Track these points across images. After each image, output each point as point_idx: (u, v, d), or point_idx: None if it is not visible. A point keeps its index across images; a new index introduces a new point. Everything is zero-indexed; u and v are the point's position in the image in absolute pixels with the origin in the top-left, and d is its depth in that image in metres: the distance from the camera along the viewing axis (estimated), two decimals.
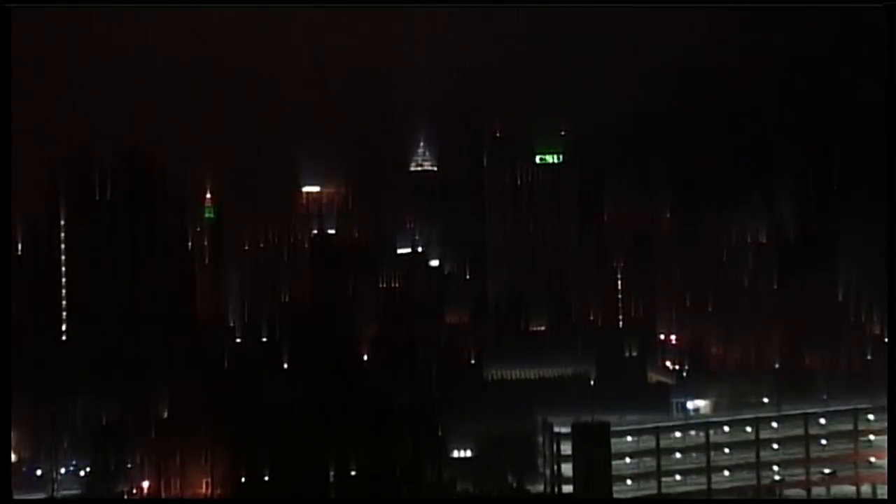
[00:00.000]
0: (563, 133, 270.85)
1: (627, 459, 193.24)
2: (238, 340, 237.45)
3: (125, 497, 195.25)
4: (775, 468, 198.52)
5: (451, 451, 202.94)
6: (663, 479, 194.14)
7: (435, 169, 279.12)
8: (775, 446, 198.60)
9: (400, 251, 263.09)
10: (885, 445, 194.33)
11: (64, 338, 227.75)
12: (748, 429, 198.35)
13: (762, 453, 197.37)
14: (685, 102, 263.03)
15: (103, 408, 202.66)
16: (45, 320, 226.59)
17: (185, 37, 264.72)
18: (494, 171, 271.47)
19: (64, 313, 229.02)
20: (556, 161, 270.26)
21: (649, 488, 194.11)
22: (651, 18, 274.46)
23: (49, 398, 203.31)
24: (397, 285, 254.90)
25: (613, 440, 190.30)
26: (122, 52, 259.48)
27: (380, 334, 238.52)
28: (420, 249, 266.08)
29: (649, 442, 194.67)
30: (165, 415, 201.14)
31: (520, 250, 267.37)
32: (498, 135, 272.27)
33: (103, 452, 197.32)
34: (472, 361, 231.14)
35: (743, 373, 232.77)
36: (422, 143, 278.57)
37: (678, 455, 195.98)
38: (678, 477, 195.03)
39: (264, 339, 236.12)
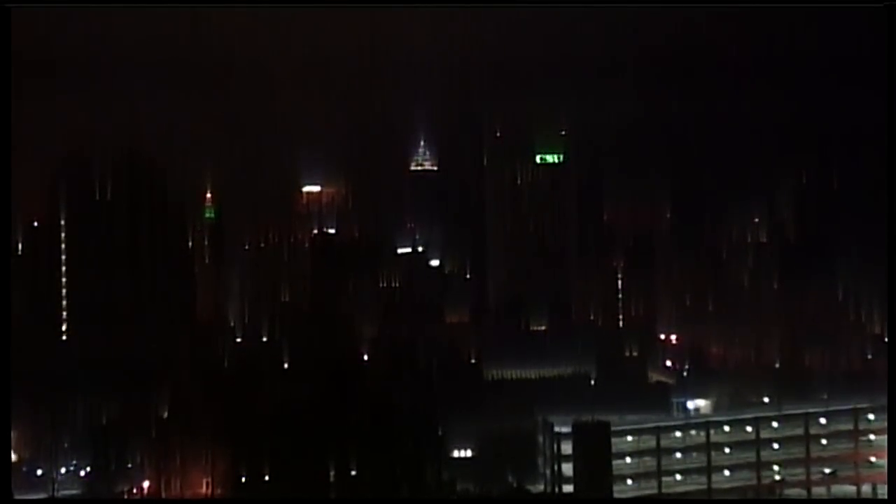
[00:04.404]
0: (563, 133, 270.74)
1: (628, 459, 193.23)
2: (238, 340, 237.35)
3: (125, 497, 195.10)
4: (776, 468, 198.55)
5: (451, 451, 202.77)
6: (663, 478, 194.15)
7: (435, 169, 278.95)
8: (776, 446, 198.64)
9: (400, 251, 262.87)
10: (885, 445, 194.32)
11: (64, 338, 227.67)
12: (748, 428, 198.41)
13: (762, 453, 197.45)
14: (685, 102, 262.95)
15: (103, 407, 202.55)
16: (45, 320, 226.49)
17: (183, 35, 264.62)
18: (494, 170, 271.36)
19: (64, 313, 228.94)
20: (556, 161, 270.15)
21: (649, 488, 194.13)
22: (650, 18, 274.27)
23: (49, 398, 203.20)
24: (397, 285, 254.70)
25: (613, 440, 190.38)
26: (120, 50, 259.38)
27: (380, 334, 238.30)
28: (420, 249, 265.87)
29: (649, 441, 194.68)
30: (165, 415, 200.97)
31: (520, 250, 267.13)
32: (498, 134, 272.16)
33: (103, 452, 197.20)
34: (472, 361, 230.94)
35: (743, 372, 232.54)
36: (422, 143, 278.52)
37: (678, 455, 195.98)
38: (678, 477, 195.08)
39: (264, 339, 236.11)
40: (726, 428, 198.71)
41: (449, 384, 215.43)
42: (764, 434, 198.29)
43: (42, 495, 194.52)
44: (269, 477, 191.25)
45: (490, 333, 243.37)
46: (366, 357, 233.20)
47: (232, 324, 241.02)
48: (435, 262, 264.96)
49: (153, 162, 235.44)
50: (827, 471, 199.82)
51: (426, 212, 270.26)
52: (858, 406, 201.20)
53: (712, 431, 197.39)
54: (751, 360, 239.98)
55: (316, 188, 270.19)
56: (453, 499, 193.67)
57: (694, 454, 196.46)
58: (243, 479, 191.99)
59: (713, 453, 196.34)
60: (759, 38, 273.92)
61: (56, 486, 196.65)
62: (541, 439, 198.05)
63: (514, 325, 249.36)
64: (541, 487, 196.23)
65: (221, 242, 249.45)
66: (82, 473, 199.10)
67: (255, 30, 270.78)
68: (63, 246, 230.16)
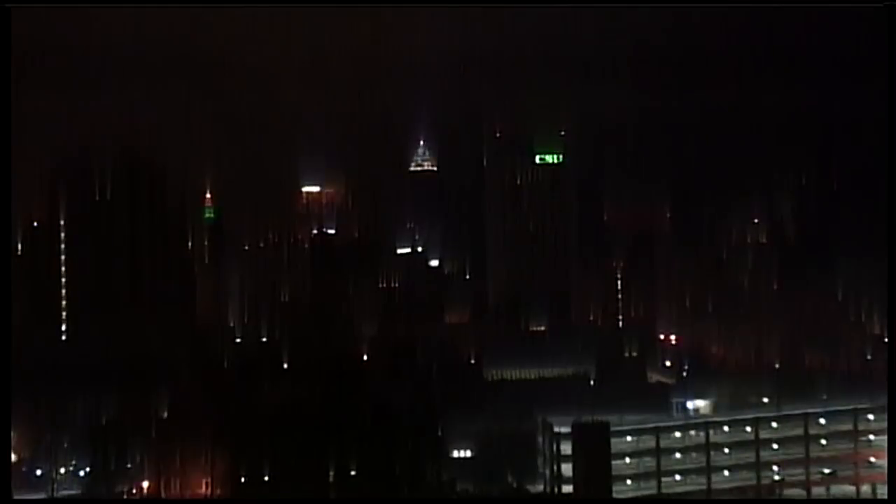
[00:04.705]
0: (563, 133, 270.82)
1: (627, 459, 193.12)
2: (238, 340, 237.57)
3: (125, 497, 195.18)
4: (775, 468, 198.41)
5: (451, 451, 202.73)
6: (663, 479, 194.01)
7: (435, 169, 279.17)
8: (775, 446, 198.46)
9: (400, 251, 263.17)
10: (885, 445, 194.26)
11: (64, 338, 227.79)
12: (748, 429, 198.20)
13: (762, 453, 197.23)
14: (685, 102, 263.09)
15: (103, 407, 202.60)
16: (44, 320, 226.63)
17: (183, 35, 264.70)
18: (494, 171, 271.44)
19: (64, 313, 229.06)
20: (556, 161, 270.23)
21: (649, 488, 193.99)
22: (649, 17, 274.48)
23: (49, 398, 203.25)
24: (397, 285, 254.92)
25: (613, 440, 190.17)
26: (120, 50, 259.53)
27: (380, 334, 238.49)
28: (420, 249, 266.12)
29: (649, 442, 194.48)
30: (165, 415, 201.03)
31: (520, 250, 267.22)
32: (498, 135, 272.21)
33: (103, 452, 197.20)
34: (472, 361, 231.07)
35: (743, 373, 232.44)
36: (422, 143, 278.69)
37: (678, 455, 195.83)
38: (678, 477, 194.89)
39: (264, 340, 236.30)
40: (726, 428, 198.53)
41: (448, 384, 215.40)
42: (763, 434, 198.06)
43: (42, 495, 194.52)
44: (269, 477, 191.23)
45: (490, 333, 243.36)
46: (365, 357, 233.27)
47: (231, 324, 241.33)
48: (435, 262, 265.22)
49: (153, 162, 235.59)
50: (827, 471, 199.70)
51: (426, 212, 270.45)
52: (858, 406, 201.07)
53: (712, 432, 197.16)
54: (750, 361, 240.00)
55: (316, 188, 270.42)
56: (453, 499, 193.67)
57: (693, 454, 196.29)
58: (243, 480, 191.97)
59: (713, 453, 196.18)
60: (759, 37, 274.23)
61: (56, 486, 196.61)
62: (540, 439, 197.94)
63: (513, 325, 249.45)
64: (540, 487, 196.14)
65: (221, 242, 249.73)
66: (82, 473, 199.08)
67: (255, 30, 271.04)
68: (63, 246, 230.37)
